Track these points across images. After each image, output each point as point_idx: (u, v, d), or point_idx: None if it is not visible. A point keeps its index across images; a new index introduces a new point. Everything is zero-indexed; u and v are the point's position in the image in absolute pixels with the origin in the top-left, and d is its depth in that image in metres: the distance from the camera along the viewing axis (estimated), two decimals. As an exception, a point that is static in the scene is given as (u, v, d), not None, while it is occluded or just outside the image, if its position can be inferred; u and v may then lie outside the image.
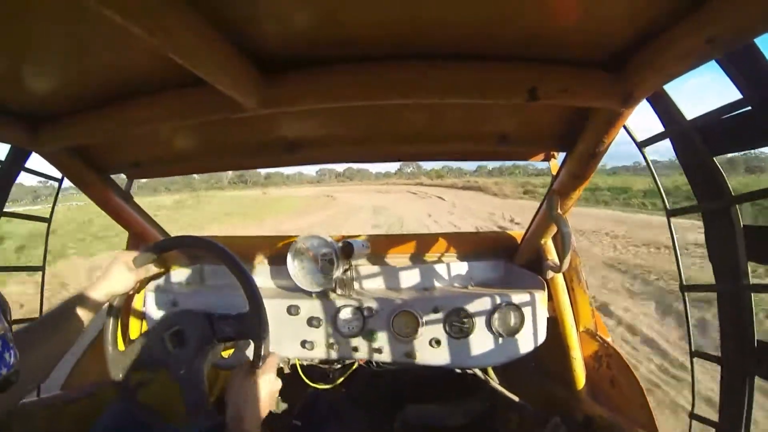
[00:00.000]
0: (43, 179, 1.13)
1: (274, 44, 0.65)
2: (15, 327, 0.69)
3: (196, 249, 0.92)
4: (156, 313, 1.22)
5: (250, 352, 0.88)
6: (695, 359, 0.83)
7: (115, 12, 0.43)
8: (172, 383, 0.89)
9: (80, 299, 0.84)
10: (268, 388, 0.81)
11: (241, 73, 0.66)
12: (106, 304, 0.91)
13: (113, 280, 0.89)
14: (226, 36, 0.59)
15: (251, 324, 0.87)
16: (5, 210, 0.99)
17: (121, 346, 0.95)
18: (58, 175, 1.07)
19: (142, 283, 1.25)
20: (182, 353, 0.89)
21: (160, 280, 1.32)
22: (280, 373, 1.30)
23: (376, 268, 1.37)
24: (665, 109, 0.71)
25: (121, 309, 1.10)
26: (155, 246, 0.94)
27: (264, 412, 0.79)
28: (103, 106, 0.81)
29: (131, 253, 0.92)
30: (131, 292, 1.22)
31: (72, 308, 0.82)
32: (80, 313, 0.83)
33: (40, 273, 1.14)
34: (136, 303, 1.32)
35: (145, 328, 1.30)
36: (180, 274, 1.39)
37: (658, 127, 0.75)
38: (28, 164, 1.01)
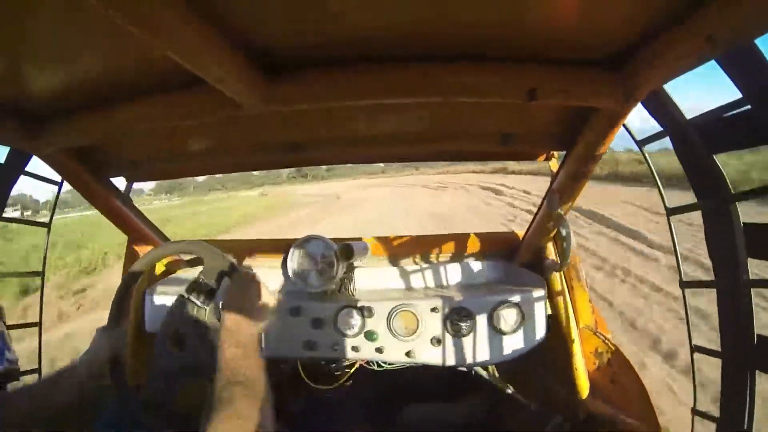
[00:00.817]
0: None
1: (275, 44, 0.65)
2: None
3: (161, 259, 0.93)
4: (155, 315, 1.21)
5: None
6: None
7: (114, 12, 0.43)
8: (172, 384, 0.88)
9: (68, 373, 0.84)
10: (247, 298, 0.79)
11: (241, 73, 0.66)
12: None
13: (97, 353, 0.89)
14: (227, 36, 0.59)
15: (207, 266, 0.88)
16: (4, 216, 0.99)
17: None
18: (57, 178, 1.07)
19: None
20: (181, 353, 0.89)
21: (159, 283, 1.32)
22: (279, 374, 1.30)
23: (376, 269, 1.37)
24: (664, 107, 0.71)
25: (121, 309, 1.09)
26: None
27: (259, 322, 0.76)
28: (102, 107, 0.81)
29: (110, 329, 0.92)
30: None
31: (61, 381, 0.82)
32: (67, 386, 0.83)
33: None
34: (136, 305, 1.32)
35: (144, 329, 1.29)
36: (180, 276, 1.39)
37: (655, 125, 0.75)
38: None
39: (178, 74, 0.66)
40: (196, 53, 0.56)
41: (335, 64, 0.70)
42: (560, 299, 1.17)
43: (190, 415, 0.89)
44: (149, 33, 0.48)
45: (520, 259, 1.30)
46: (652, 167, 0.85)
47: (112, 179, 1.20)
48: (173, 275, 1.37)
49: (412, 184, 29.14)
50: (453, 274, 1.38)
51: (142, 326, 1.30)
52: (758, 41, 0.51)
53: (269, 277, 1.38)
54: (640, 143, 0.82)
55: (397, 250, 1.41)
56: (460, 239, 1.42)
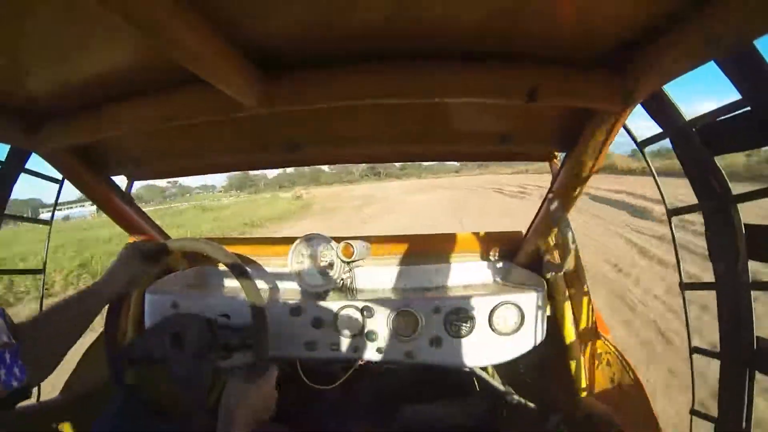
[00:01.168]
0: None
1: (275, 43, 0.65)
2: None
3: (211, 256, 0.93)
4: (155, 315, 1.22)
5: (250, 357, 0.89)
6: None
7: (114, 11, 0.43)
8: (171, 383, 0.89)
9: (93, 288, 0.84)
10: (263, 398, 0.80)
11: (241, 72, 0.66)
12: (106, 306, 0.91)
13: (130, 268, 0.89)
14: (226, 35, 0.59)
15: (253, 338, 0.88)
16: (6, 213, 0.99)
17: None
18: (58, 176, 1.07)
19: (151, 279, 1.24)
20: (181, 355, 0.89)
21: (160, 282, 1.32)
22: (278, 374, 1.30)
23: (376, 269, 1.37)
24: (664, 109, 0.71)
25: (121, 310, 1.10)
26: (170, 242, 0.94)
27: (256, 422, 0.78)
28: (102, 106, 0.81)
29: (144, 243, 0.92)
30: (143, 286, 1.23)
31: (82, 297, 0.82)
32: (93, 301, 0.83)
33: None
34: (135, 304, 1.32)
35: (144, 328, 1.30)
36: (180, 276, 1.39)
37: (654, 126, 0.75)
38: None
39: (177, 73, 0.66)
40: (196, 53, 0.56)
41: (335, 64, 0.70)
42: (560, 300, 1.17)
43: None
44: (149, 33, 0.48)
45: (521, 260, 1.30)
46: (653, 168, 0.85)
47: (113, 177, 1.20)
48: (172, 274, 1.37)
49: (478, 186, 25.07)
50: (453, 274, 1.38)
51: (142, 325, 1.30)
52: (758, 42, 0.51)
53: (269, 276, 1.39)
54: (640, 144, 0.81)
55: (397, 249, 1.41)
56: (461, 239, 1.42)
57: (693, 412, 0.82)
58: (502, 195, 17.98)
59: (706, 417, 0.78)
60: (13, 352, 0.47)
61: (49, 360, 0.73)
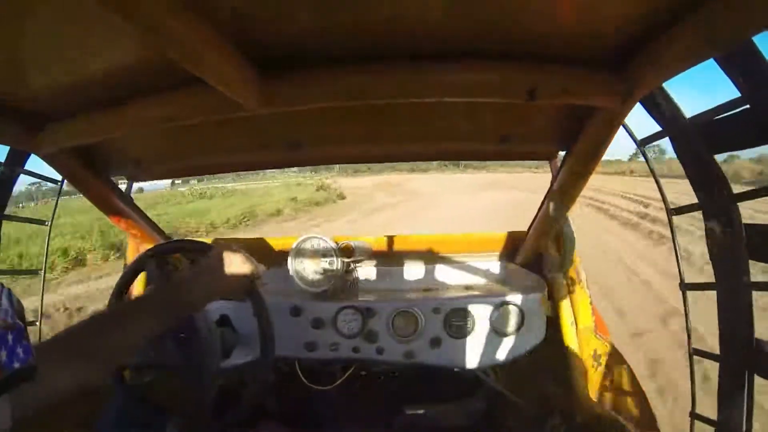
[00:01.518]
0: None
1: (274, 43, 0.65)
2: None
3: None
4: None
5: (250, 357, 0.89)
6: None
7: (114, 12, 0.43)
8: (171, 384, 0.89)
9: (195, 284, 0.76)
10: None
11: (240, 73, 0.66)
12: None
13: (236, 276, 0.80)
14: (226, 35, 0.59)
15: (256, 336, 0.88)
16: (5, 213, 0.99)
17: None
18: (58, 177, 1.07)
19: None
20: (182, 355, 0.89)
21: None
22: (277, 374, 1.30)
23: (376, 269, 1.37)
24: (664, 107, 0.71)
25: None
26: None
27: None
28: (102, 107, 0.81)
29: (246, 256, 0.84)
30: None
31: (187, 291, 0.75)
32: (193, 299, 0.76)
33: None
34: None
35: None
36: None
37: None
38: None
39: (177, 74, 0.66)
40: (195, 53, 0.56)
41: (335, 64, 0.70)
42: (560, 300, 1.17)
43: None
44: (148, 33, 0.48)
45: (521, 260, 1.30)
46: (653, 167, 0.84)
47: (113, 178, 1.20)
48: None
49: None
50: (453, 274, 1.38)
51: None
52: (757, 40, 0.50)
53: (269, 276, 1.38)
54: (640, 143, 0.81)
55: (397, 249, 1.41)
56: (461, 239, 1.42)
57: (693, 415, 0.82)
58: (617, 224, 9.27)
59: (706, 420, 0.77)
60: (17, 333, 0.47)
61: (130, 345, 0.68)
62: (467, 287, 1.34)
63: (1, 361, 0.44)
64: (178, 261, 1.38)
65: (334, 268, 1.16)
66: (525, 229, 1.28)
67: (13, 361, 0.45)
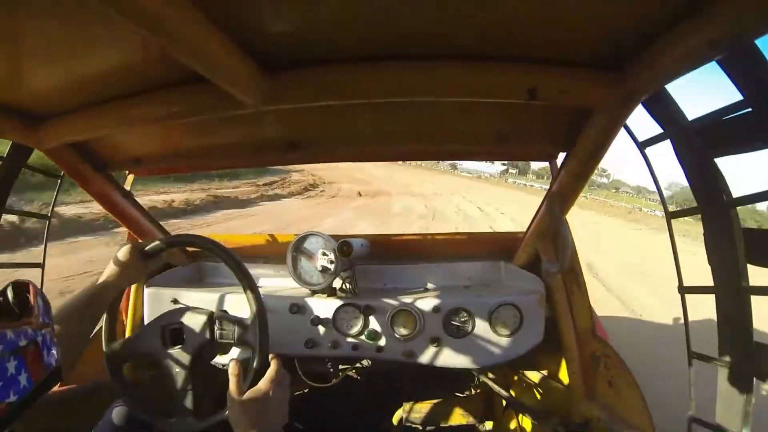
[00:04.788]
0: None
1: (276, 42, 0.65)
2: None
3: (207, 251, 0.92)
4: (154, 311, 1.22)
5: (248, 353, 0.89)
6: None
7: (116, 9, 0.43)
8: (168, 380, 0.89)
9: (97, 289, 0.84)
10: (277, 397, 0.72)
11: (242, 71, 0.66)
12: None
13: (130, 268, 0.89)
14: (228, 33, 0.59)
15: (253, 332, 0.88)
16: (6, 207, 0.99)
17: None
18: (58, 172, 1.07)
19: (150, 274, 1.25)
20: (179, 351, 0.89)
21: (159, 277, 1.32)
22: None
23: (376, 268, 1.37)
24: (665, 109, 0.70)
25: (119, 305, 1.10)
26: (167, 239, 0.96)
27: (280, 423, 0.72)
28: (104, 103, 0.81)
29: (144, 242, 0.93)
30: (141, 282, 1.24)
31: (89, 298, 0.83)
32: (98, 302, 0.84)
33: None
34: (134, 300, 1.32)
35: (143, 324, 1.30)
36: (179, 272, 1.39)
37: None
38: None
39: (179, 71, 0.66)
40: (197, 51, 0.56)
41: (335, 63, 0.70)
42: (559, 301, 1.17)
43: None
44: (150, 30, 0.48)
45: (520, 261, 1.30)
46: (653, 169, 0.84)
47: (113, 173, 1.20)
48: (171, 270, 1.37)
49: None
50: (453, 274, 1.38)
51: (142, 321, 1.31)
52: (759, 42, 0.50)
53: (269, 273, 1.38)
54: (641, 145, 0.81)
55: (397, 249, 1.40)
56: (461, 239, 1.42)
57: (693, 419, 0.82)
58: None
59: (705, 424, 0.77)
60: (50, 334, 0.48)
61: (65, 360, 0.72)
62: (467, 287, 1.34)
63: (43, 360, 0.45)
64: (174, 257, 1.39)
65: (333, 266, 1.16)
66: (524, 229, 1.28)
67: (53, 360, 0.46)
